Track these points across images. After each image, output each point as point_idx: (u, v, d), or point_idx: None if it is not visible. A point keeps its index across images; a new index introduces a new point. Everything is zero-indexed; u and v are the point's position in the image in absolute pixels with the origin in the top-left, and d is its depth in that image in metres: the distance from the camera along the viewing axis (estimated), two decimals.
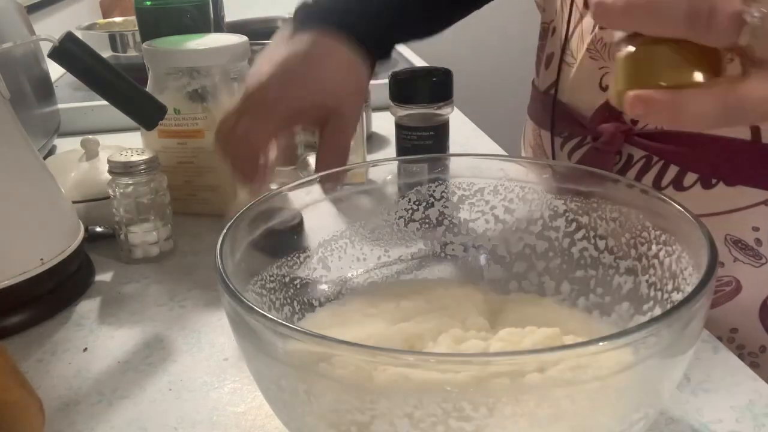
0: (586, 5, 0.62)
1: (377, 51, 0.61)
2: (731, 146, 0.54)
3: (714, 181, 0.55)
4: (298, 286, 0.49)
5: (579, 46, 0.63)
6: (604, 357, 0.32)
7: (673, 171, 0.57)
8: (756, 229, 0.54)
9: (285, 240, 0.49)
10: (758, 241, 0.54)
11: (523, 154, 0.80)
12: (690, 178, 0.57)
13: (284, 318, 0.46)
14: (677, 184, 0.57)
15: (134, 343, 0.55)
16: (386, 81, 0.71)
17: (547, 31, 0.70)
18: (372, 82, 0.80)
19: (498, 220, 0.51)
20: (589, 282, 0.48)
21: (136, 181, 0.64)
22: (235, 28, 1.07)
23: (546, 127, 0.70)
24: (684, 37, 0.33)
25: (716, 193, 0.55)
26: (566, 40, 0.65)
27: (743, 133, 0.54)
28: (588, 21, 0.62)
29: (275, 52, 0.58)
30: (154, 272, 0.65)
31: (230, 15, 1.18)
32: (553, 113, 0.68)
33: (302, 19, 0.60)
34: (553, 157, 0.69)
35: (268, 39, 1.26)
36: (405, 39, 0.67)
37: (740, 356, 0.58)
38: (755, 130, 0.53)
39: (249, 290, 0.44)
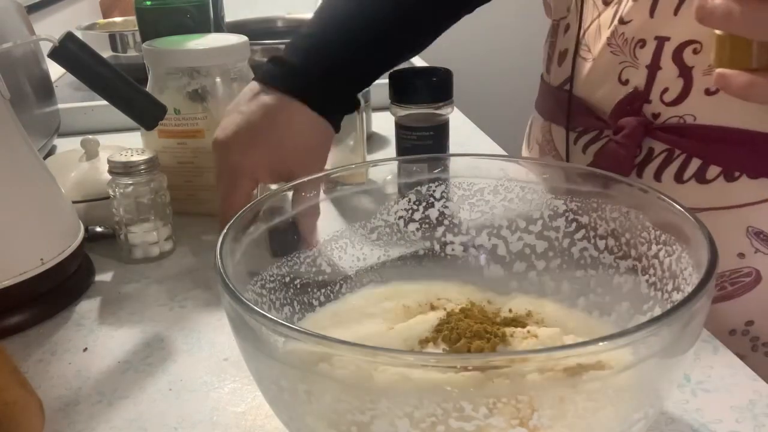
0: (605, 1, 0.63)
1: (342, 107, 0.66)
2: (754, 139, 0.55)
3: (737, 174, 0.56)
4: (298, 286, 0.49)
5: (596, 40, 0.64)
6: (604, 357, 0.32)
7: (695, 164, 0.58)
8: None
9: (286, 239, 0.49)
10: None
11: (525, 152, 0.80)
12: (713, 171, 0.57)
13: (284, 318, 0.46)
14: (700, 177, 0.58)
15: (134, 343, 0.55)
16: (386, 81, 0.71)
17: (557, 28, 0.71)
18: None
19: (498, 220, 0.51)
20: (589, 282, 0.48)
21: (136, 181, 0.64)
22: (235, 28, 1.08)
23: (559, 122, 0.70)
24: None
25: (739, 185, 0.56)
26: (580, 35, 0.66)
27: (766, 127, 0.54)
28: (606, 16, 0.62)
29: (244, 107, 0.63)
30: (154, 272, 0.65)
31: (230, 15, 1.18)
32: (568, 108, 0.68)
33: (270, 76, 0.63)
34: (567, 153, 0.69)
35: (268, 39, 1.27)
36: (384, 70, 0.69)
37: (753, 348, 0.59)
38: None
39: (249, 290, 0.44)
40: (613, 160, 0.61)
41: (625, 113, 0.61)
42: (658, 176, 0.60)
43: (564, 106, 0.68)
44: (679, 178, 0.59)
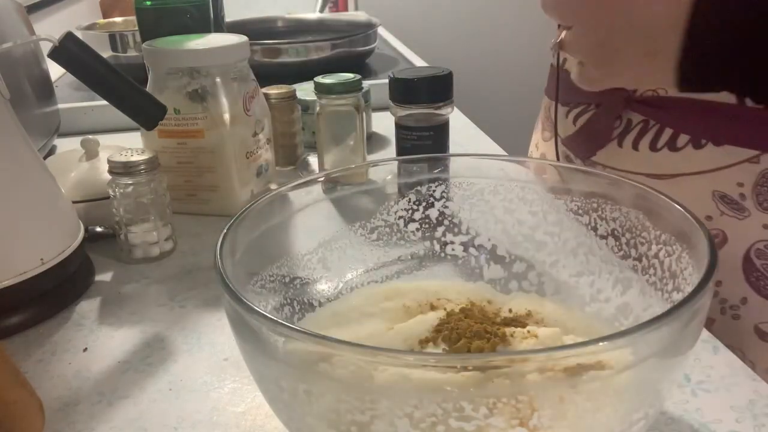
0: None
1: None
2: (719, 109, 0.59)
3: (704, 141, 0.60)
4: (298, 286, 0.49)
5: None
6: (604, 357, 0.32)
7: (667, 134, 0.63)
8: (740, 184, 0.59)
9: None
10: (742, 196, 0.59)
11: (536, 134, 0.84)
12: (682, 139, 0.62)
13: (284, 318, 0.46)
14: (671, 145, 0.63)
15: (134, 343, 0.55)
16: (386, 81, 0.71)
17: None
18: (372, 82, 0.80)
19: (498, 220, 0.52)
20: (590, 282, 0.48)
21: (136, 181, 0.64)
22: (235, 28, 1.08)
23: (554, 98, 0.75)
24: None
25: (705, 152, 0.60)
26: None
27: (730, 98, 0.58)
28: None
29: None
30: (154, 272, 0.65)
31: (230, 15, 1.18)
32: (557, 82, 0.74)
33: None
34: (556, 125, 0.74)
35: (268, 39, 1.27)
36: None
37: (722, 311, 0.61)
38: (740, 96, 0.58)
39: (249, 290, 0.44)
40: (593, 131, 0.68)
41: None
42: (635, 145, 0.65)
43: (555, 80, 0.74)
44: (653, 146, 0.64)
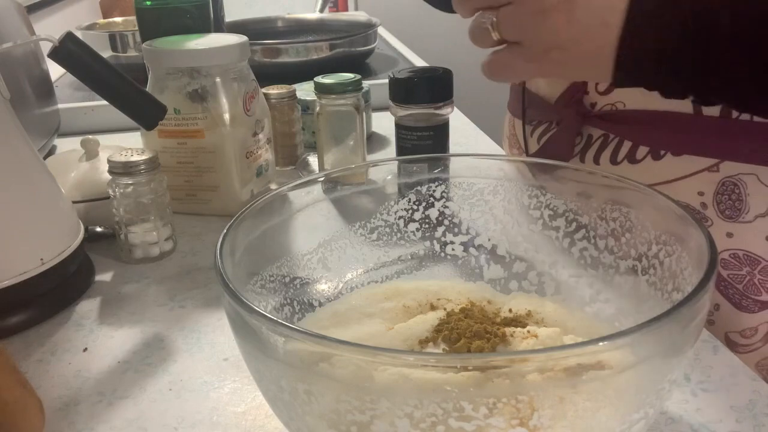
0: None
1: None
2: (676, 120, 0.58)
3: (662, 152, 0.60)
4: (298, 286, 0.49)
5: None
6: (604, 357, 0.32)
7: (627, 146, 0.62)
8: (701, 193, 0.58)
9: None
10: (704, 205, 0.58)
11: (504, 148, 0.84)
12: (642, 151, 0.61)
13: (284, 318, 0.46)
14: (631, 157, 0.62)
15: (134, 343, 0.55)
16: (386, 81, 0.71)
17: None
18: (372, 82, 0.80)
19: (498, 220, 0.52)
20: (589, 282, 0.48)
21: (136, 181, 0.64)
22: (235, 28, 1.08)
23: (518, 116, 0.75)
24: None
25: (665, 163, 0.60)
26: None
27: (687, 108, 0.57)
28: None
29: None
30: (154, 272, 0.65)
31: (230, 15, 1.18)
32: (523, 102, 0.73)
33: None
34: (526, 145, 0.73)
35: (268, 39, 1.27)
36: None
37: None
38: (697, 106, 0.57)
39: (249, 290, 0.44)
40: (557, 148, 0.67)
41: (568, 104, 0.66)
42: (596, 160, 0.64)
43: (521, 100, 0.73)
44: (614, 160, 0.63)
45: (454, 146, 0.73)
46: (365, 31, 1.30)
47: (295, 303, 0.48)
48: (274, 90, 0.87)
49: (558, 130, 0.67)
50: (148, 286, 0.63)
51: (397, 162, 0.54)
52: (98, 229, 0.70)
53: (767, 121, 0.54)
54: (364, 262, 0.52)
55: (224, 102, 0.73)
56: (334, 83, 0.75)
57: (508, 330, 0.43)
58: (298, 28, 1.47)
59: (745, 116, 0.55)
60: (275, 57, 1.22)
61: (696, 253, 0.39)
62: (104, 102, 0.64)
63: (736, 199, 0.57)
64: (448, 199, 0.52)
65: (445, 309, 0.47)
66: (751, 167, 0.55)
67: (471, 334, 0.43)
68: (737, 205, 0.57)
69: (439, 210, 0.52)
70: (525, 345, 0.41)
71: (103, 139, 0.77)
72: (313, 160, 0.90)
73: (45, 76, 0.96)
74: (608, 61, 0.48)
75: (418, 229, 0.53)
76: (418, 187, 0.52)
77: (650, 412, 0.36)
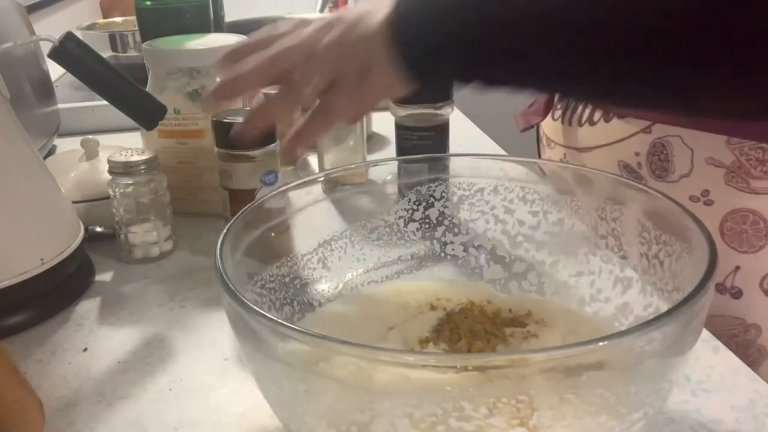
0: None
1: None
2: None
3: (611, 115, 0.66)
4: (298, 286, 0.49)
5: None
6: (604, 357, 0.32)
7: (588, 110, 0.69)
8: (637, 154, 0.64)
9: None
10: (639, 165, 0.64)
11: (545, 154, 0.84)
12: (597, 114, 0.68)
13: (284, 318, 0.46)
14: (590, 119, 0.68)
15: (134, 343, 0.55)
16: None
17: None
18: None
19: (498, 220, 0.52)
20: (589, 282, 0.48)
21: (136, 181, 0.64)
22: (235, 28, 1.07)
23: (546, 113, 0.78)
24: None
25: (613, 125, 0.66)
26: None
27: None
28: None
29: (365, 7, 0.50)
30: (154, 272, 0.65)
31: (230, 15, 1.18)
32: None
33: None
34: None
35: None
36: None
37: None
38: None
39: (249, 290, 0.44)
40: (539, 105, 0.76)
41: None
42: (570, 121, 0.71)
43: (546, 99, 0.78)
44: (579, 121, 0.70)
45: (454, 146, 0.73)
46: None
47: (295, 303, 0.48)
48: (274, 90, 0.86)
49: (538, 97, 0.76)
50: (148, 286, 0.63)
51: (397, 162, 0.54)
52: (98, 229, 0.70)
53: None
54: (364, 262, 0.52)
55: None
56: None
57: (508, 330, 0.43)
58: None
59: None
60: None
61: (696, 253, 0.39)
62: (104, 102, 0.64)
63: (664, 159, 0.62)
64: (448, 199, 0.52)
65: (445, 309, 0.47)
66: (676, 129, 0.60)
67: (471, 335, 0.43)
68: (665, 165, 0.62)
69: (439, 210, 0.52)
70: (525, 345, 0.41)
71: (103, 139, 0.77)
72: (313, 160, 0.90)
73: (45, 76, 0.96)
74: (389, 43, 0.45)
75: (418, 229, 0.53)
76: (418, 187, 0.52)
77: (650, 412, 0.36)
